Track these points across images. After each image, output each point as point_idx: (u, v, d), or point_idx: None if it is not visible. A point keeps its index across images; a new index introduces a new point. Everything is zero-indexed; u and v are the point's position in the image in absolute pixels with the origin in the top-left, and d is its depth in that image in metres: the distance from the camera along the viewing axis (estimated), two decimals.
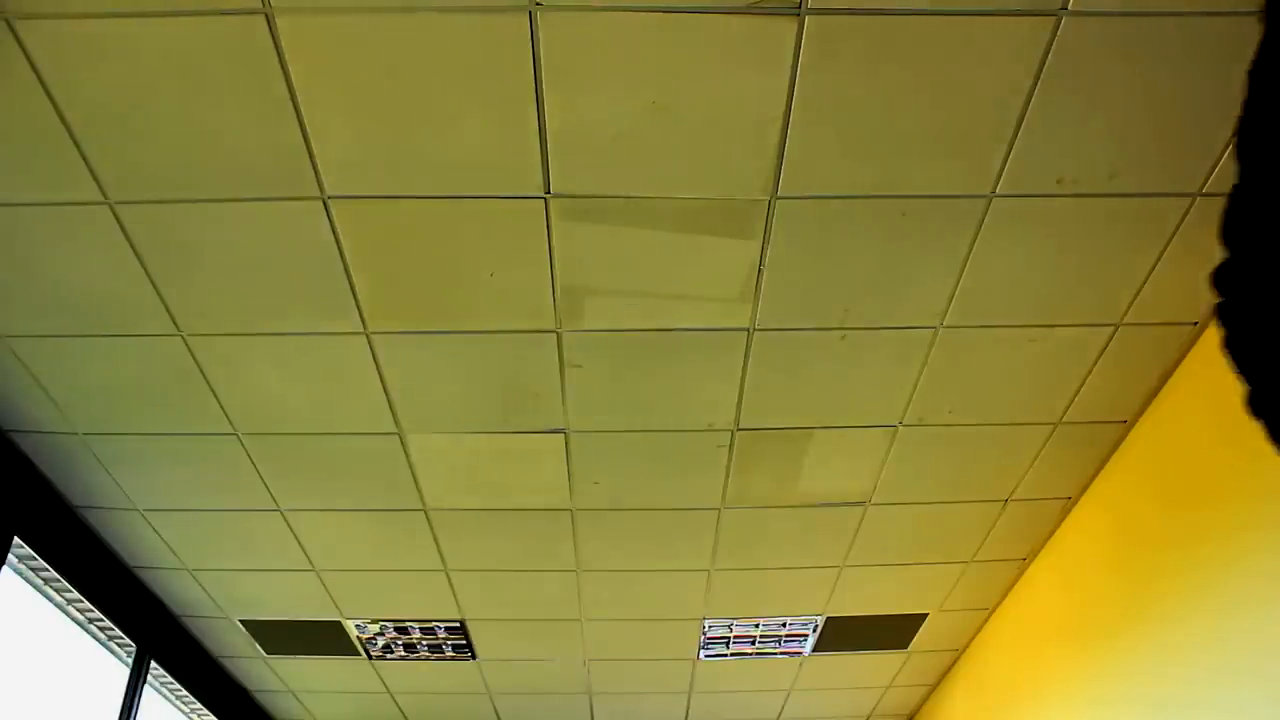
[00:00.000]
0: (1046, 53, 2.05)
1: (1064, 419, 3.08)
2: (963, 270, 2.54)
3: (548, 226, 2.40)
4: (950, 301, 2.64)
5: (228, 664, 4.60)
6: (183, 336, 2.69)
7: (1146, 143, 2.25)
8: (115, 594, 3.77)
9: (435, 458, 3.20)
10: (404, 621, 4.25)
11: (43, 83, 2.05)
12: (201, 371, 2.81)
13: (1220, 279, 0.91)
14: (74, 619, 3.79)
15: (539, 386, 2.89)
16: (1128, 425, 3.10)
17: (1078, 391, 2.96)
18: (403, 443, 3.12)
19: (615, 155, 2.25)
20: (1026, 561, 3.84)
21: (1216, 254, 0.94)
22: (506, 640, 4.46)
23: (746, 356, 2.80)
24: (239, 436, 3.07)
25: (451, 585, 3.96)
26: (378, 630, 4.30)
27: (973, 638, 4.44)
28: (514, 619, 4.26)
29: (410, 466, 3.23)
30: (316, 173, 2.26)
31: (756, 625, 4.29)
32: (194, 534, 3.59)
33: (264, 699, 4.95)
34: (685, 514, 3.50)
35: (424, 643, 4.43)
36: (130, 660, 4.00)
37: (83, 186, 2.26)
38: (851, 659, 4.64)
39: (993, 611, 4.21)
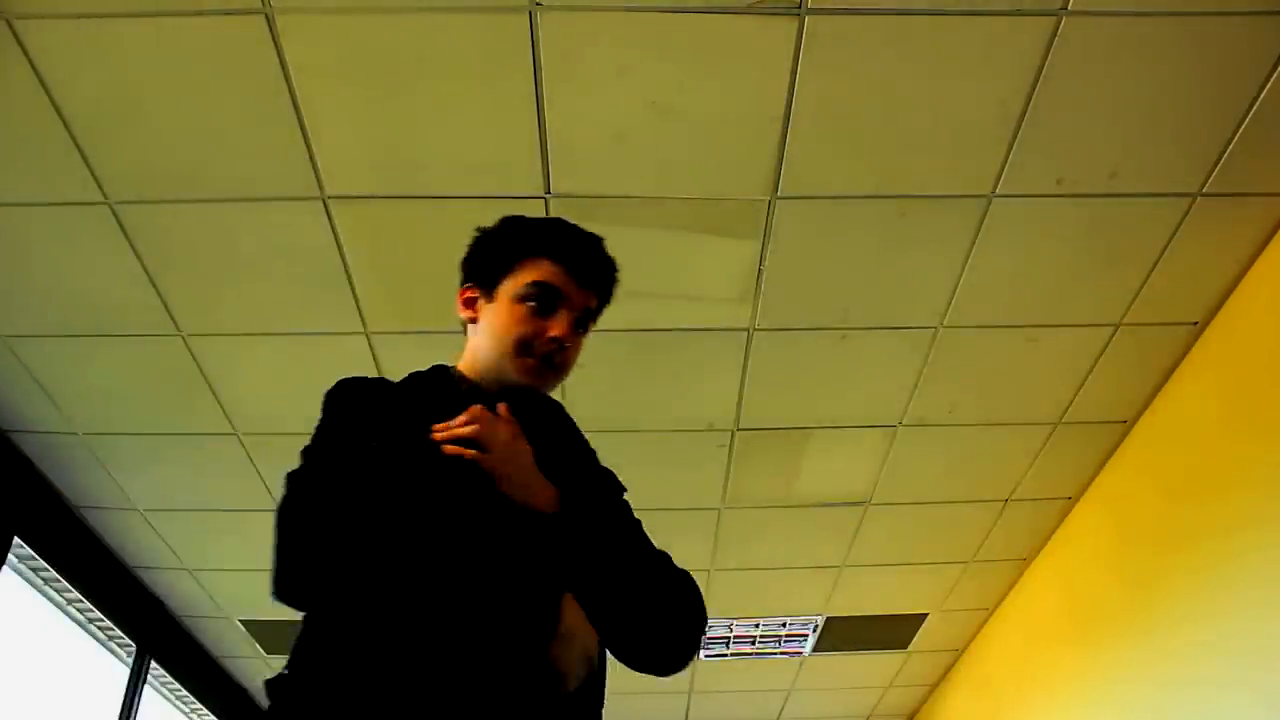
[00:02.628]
0: (1046, 53, 2.05)
1: (1064, 419, 3.07)
2: (963, 270, 2.54)
3: None
4: (950, 301, 2.63)
5: (228, 664, 4.59)
6: (183, 336, 2.69)
7: (1146, 143, 2.24)
8: (115, 594, 3.77)
9: None
10: None
11: (43, 83, 2.05)
12: (201, 371, 2.81)
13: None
14: (74, 619, 3.78)
15: None
16: (1128, 425, 3.10)
17: (1078, 391, 2.96)
18: None
19: (615, 155, 2.25)
20: (1026, 561, 3.84)
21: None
22: None
23: (746, 356, 2.80)
24: (239, 436, 3.07)
25: None
26: None
27: (973, 638, 4.44)
28: None
29: None
30: (316, 173, 2.26)
31: (756, 625, 4.29)
32: (194, 534, 3.58)
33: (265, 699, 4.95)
34: (685, 514, 3.50)
35: None
36: (130, 660, 3.99)
37: (83, 186, 2.26)
38: (851, 659, 4.64)
39: (993, 611, 4.21)
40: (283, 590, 1.10)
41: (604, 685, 1.22)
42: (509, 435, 1.14)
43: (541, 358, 1.24)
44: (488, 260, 1.32)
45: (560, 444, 1.27)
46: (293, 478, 1.12)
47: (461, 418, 1.13)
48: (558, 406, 1.36)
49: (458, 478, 1.10)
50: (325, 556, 1.06)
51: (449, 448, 1.11)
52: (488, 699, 1.02)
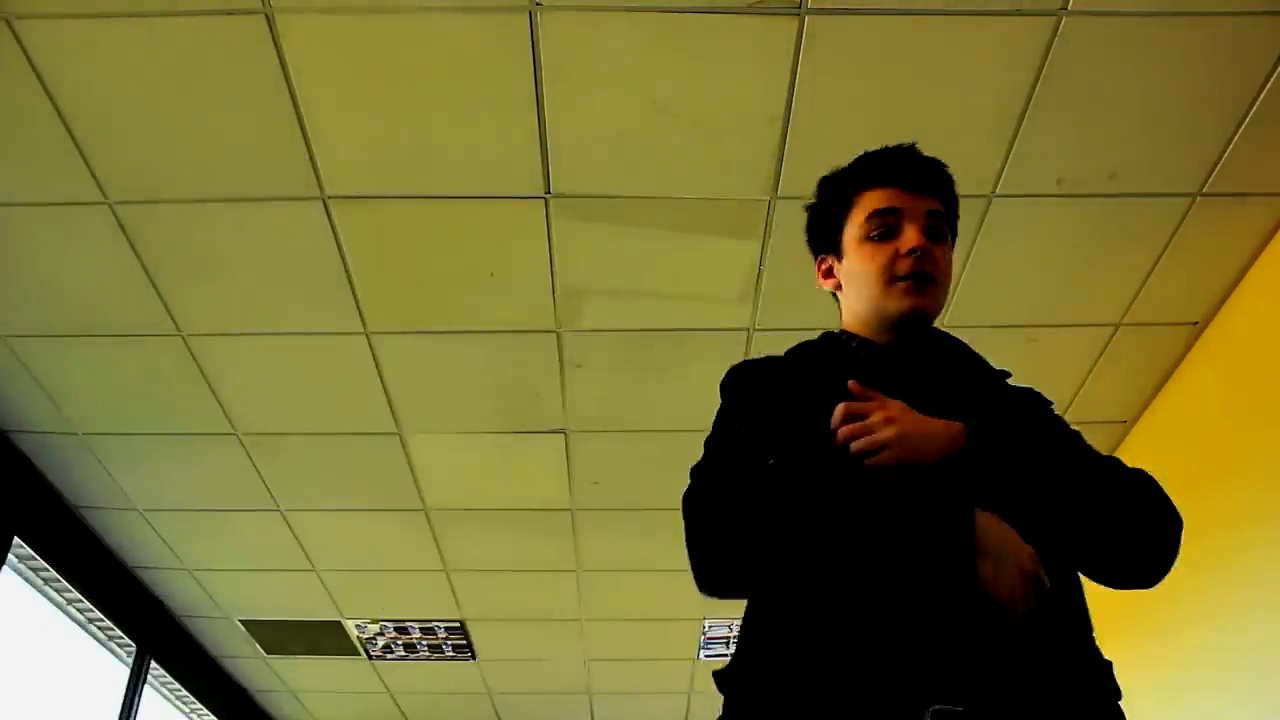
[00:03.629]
0: (1046, 53, 2.05)
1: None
2: (962, 270, 2.54)
3: (548, 226, 2.40)
4: (950, 301, 2.63)
5: (228, 664, 4.60)
6: (183, 336, 2.69)
7: (1146, 143, 2.24)
8: (115, 594, 3.77)
9: (435, 458, 3.20)
10: (404, 621, 4.25)
11: (43, 83, 2.05)
12: (201, 371, 2.81)
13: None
14: (74, 619, 3.79)
15: (539, 386, 2.89)
16: (1128, 425, 3.10)
17: (1078, 391, 2.96)
18: (403, 443, 3.12)
19: (615, 155, 2.25)
20: None
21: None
22: (506, 640, 4.45)
23: (746, 357, 2.80)
24: (239, 436, 3.07)
25: (451, 585, 3.95)
26: (378, 630, 4.30)
27: None
28: (514, 619, 4.25)
29: (410, 466, 3.23)
30: (316, 173, 2.26)
31: None
32: (194, 534, 3.58)
33: (264, 699, 4.95)
34: None
35: (424, 643, 4.43)
36: (130, 660, 3.99)
37: (83, 186, 2.26)
38: None
39: None
40: (701, 584, 1.12)
41: (1078, 608, 1.13)
42: (883, 414, 1.09)
43: (911, 276, 1.20)
44: (820, 226, 1.36)
45: (963, 373, 1.26)
46: (695, 472, 1.19)
47: (836, 417, 1.10)
48: (952, 341, 1.32)
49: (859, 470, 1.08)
50: (737, 551, 1.08)
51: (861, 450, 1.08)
52: (929, 641, 0.98)
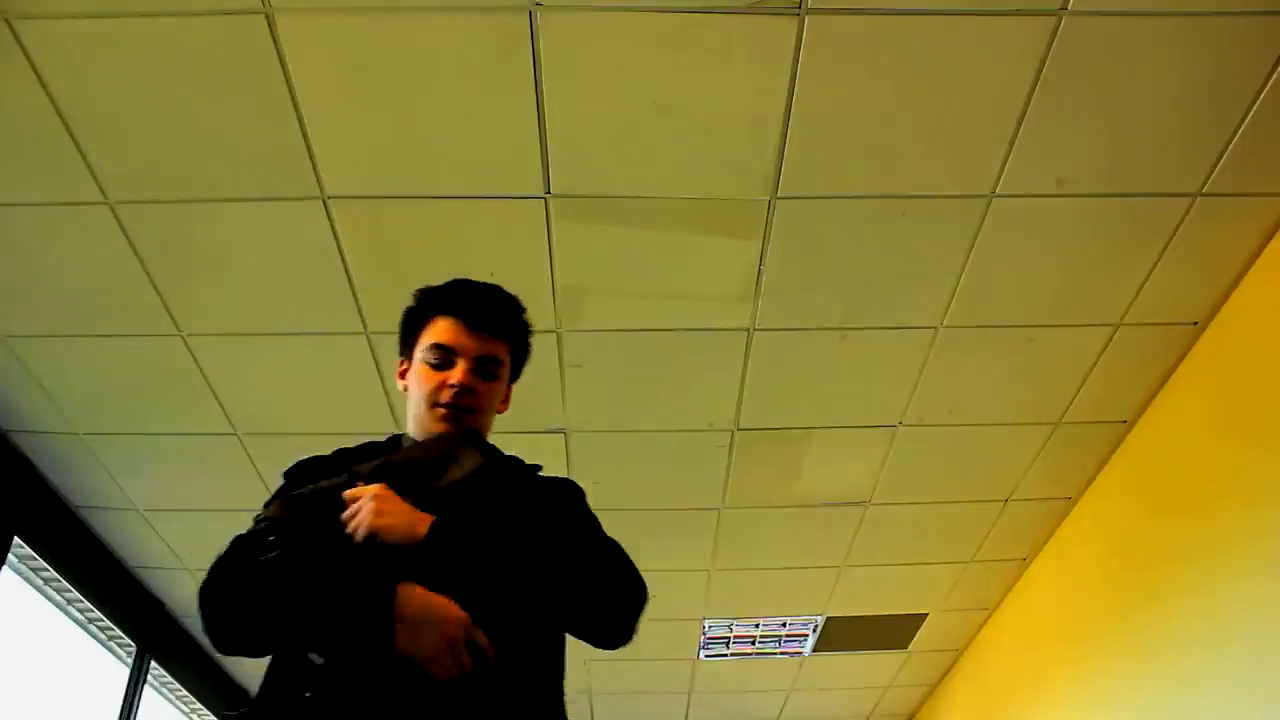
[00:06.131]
0: (1046, 53, 2.05)
1: (1064, 419, 3.08)
2: (963, 270, 2.54)
3: (548, 226, 2.40)
4: (950, 301, 2.64)
5: (228, 664, 4.59)
6: (183, 336, 2.69)
7: (1146, 143, 2.24)
8: (115, 594, 3.77)
9: None
10: None
11: (43, 83, 2.05)
12: (201, 371, 2.81)
13: None
14: (74, 619, 3.78)
15: (539, 386, 2.89)
16: (1128, 425, 3.10)
17: (1078, 391, 2.96)
18: None
19: (615, 155, 2.25)
20: (1026, 561, 3.84)
21: None
22: None
23: (746, 356, 2.80)
24: (239, 436, 3.07)
25: None
26: None
27: (973, 638, 4.44)
28: None
29: None
30: (316, 173, 2.26)
31: (756, 625, 4.29)
32: (194, 534, 3.58)
33: None
34: (685, 514, 3.50)
35: None
36: (130, 660, 3.99)
37: (83, 186, 2.26)
38: (851, 659, 4.64)
39: (993, 611, 4.21)
40: (218, 649, 1.25)
41: (543, 671, 1.29)
42: (374, 504, 1.25)
43: (450, 405, 1.41)
44: (404, 334, 1.52)
45: (492, 474, 1.39)
46: (213, 566, 1.25)
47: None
48: (504, 459, 1.47)
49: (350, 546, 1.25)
50: (239, 633, 1.23)
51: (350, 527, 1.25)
52: (352, 700, 1.13)
